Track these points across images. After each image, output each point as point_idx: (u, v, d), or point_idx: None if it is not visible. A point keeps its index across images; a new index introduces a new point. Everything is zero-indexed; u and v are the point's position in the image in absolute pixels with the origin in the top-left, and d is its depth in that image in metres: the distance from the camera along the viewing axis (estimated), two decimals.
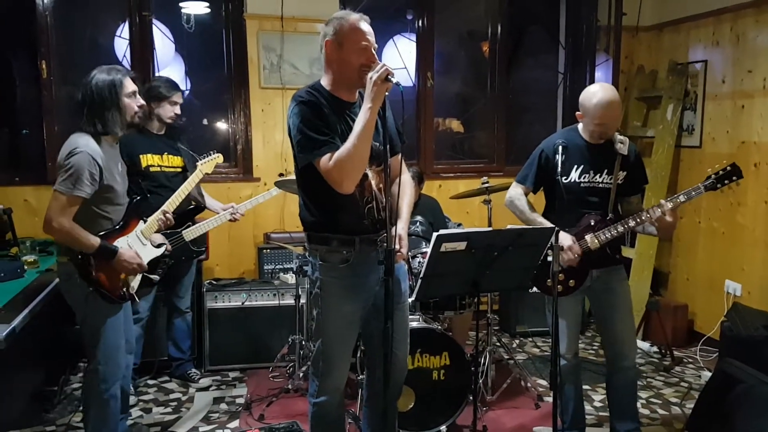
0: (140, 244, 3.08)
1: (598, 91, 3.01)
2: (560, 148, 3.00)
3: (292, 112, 2.46)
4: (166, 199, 3.38)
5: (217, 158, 3.77)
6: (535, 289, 3.29)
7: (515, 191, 3.24)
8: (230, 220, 3.94)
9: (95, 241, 2.80)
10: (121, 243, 2.96)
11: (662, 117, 5.20)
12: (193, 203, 3.75)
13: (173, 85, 3.91)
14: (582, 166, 3.09)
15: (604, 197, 3.10)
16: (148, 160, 3.80)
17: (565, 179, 3.08)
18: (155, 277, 3.20)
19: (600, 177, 3.10)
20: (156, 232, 3.21)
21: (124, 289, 3.00)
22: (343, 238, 2.51)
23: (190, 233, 3.71)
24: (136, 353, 4.10)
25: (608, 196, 3.10)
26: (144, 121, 3.79)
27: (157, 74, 4.81)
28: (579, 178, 3.10)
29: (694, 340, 4.91)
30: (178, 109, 3.90)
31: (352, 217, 2.51)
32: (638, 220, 3.01)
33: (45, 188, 4.54)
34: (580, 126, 3.16)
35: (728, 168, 2.96)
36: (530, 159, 3.24)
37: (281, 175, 4.04)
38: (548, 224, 3.08)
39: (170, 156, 3.93)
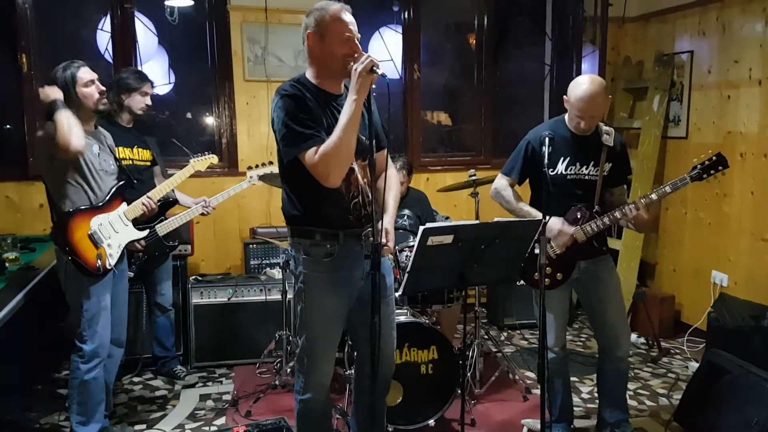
0: (122, 224, 3.23)
1: (583, 83, 2.99)
2: (547, 139, 2.98)
3: (276, 106, 2.42)
4: (138, 191, 3.43)
5: (212, 159, 3.86)
6: (522, 282, 3.28)
7: (500, 182, 3.24)
8: (202, 214, 3.93)
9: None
10: (101, 220, 3.12)
11: (648, 108, 5.21)
12: (163, 198, 3.72)
13: (142, 76, 3.88)
14: (568, 158, 3.08)
15: (590, 189, 3.10)
16: (120, 153, 3.76)
17: (552, 171, 3.06)
18: (129, 274, 3.34)
19: (586, 169, 3.09)
20: (140, 216, 3.35)
21: (99, 262, 3.07)
22: (327, 232, 2.49)
23: (163, 227, 3.70)
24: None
25: (594, 188, 3.09)
26: (114, 114, 3.78)
27: (140, 68, 4.74)
28: (565, 170, 3.09)
29: (681, 331, 4.93)
30: (149, 100, 3.88)
31: (337, 211, 2.48)
32: (622, 212, 3.01)
33: (26, 184, 4.48)
34: (566, 117, 3.14)
35: (714, 158, 2.97)
36: (516, 150, 3.22)
37: (250, 168, 4.00)
38: (536, 212, 3.09)
39: (140, 149, 3.92)
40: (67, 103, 2.98)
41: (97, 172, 3.12)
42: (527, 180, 3.25)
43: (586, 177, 3.09)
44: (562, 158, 3.09)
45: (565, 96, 3.08)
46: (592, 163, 3.08)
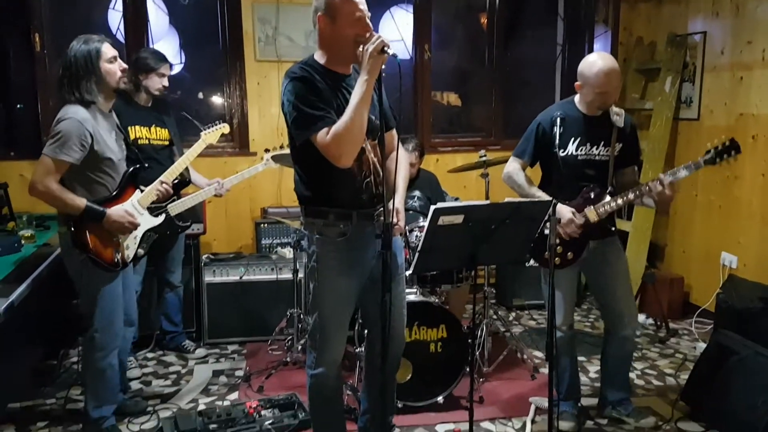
0: (137, 213, 3.12)
1: (597, 60, 2.99)
2: (558, 120, 2.99)
3: (285, 89, 2.43)
4: (154, 171, 3.39)
5: (223, 128, 3.79)
6: (532, 262, 3.30)
7: (513, 166, 3.24)
8: (215, 195, 3.92)
9: (81, 202, 2.86)
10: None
11: (660, 89, 5.17)
12: (179, 177, 3.72)
13: (160, 57, 3.86)
14: (579, 139, 3.09)
15: (601, 170, 3.10)
16: (137, 132, 3.78)
17: (563, 152, 3.07)
18: (140, 251, 3.25)
19: (597, 149, 3.09)
20: (154, 202, 3.25)
21: (118, 256, 3.03)
22: (340, 212, 2.51)
23: (175, 207, 3.66)
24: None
25: (605, 168, 3.10)
26: (132, 93, 3.78)
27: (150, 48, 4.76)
28: (576, 150, 3.09)
29: (690, 312, 4.94)
30: (166, 81, 3.86)
31: (349, 191, 2.50)
32: (637, 192, 3.01)
33: None
34: (576, 98, 3.14)
35: (727, 143, 2.98)
36: (527, 133, 3.22)
37: (267, 151, 3.99)
38: (547, 197, 3.08)
39: (158, 128, 3.91)
40: (86, 78, 2.87)
41: (118, 163, 3.03)
42: (538, 163, 3.26)
43: (597, 157, 3.10)
44: (572, 139, 3.09)
45: (577, 83, 3.08)
46: (602, 143, 3.09)
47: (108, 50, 2.93)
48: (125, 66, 3.02)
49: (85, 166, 2.88)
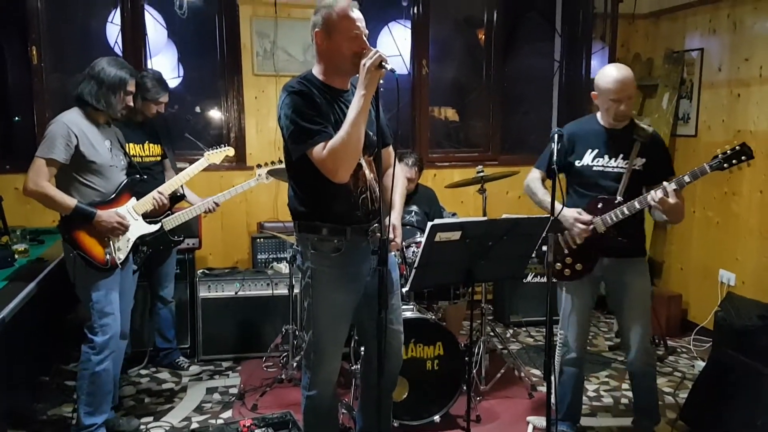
0: (131, 218, 3.23)
1: (611, 69, 3.03)
2: (556, 137, 2.96)
3: (283, 103, 2.42)
4: (148, 185, 3.44)
5: (228, 151, 3.86)
6: (529, 278, 3.29)
7: (532, 175, 3.30)
8: (206, 212, 3.91)
9: (71, 202, 3.00)
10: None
11: (658, 105, 5.18)
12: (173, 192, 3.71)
13: (164, 87, 3.87)
14: (597, 150, 3.09)
15: (616, 181, 3.06)
16: (130, 149, 3.76)
17: (578, 163, 3.11)
18: (133, 266, 3.34)
19: (614, 161, 3.07)
20: (150, 211, 3.35)
21: (108, 257, 3.11)
22: (334, 227, 2.49)
23: (169, 222, 3.67)
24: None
25: (620, 180, 3.05)
26: (128, 113, 3.78)
27: (149, 61, 4.76)
28: (592, 161, 3.10)
29: (688, 330, 4.92)
30: (162, 108, 3.90)
31: (345, 206, 2.49)
32: (642, 201, 2.94)
33: None
34: (598, 114, 3.16)
35: (737, 147, 2.85)
36: (548, 145, 3.24)
37: (259, 166, 3.99)
38: (557, 205, 3.10)
39: (151, 144, 3.94)
40: (96, 97, 3.05)
41: (108, 168, 3.13)
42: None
43: (614, 169, 3.07)
44: (589, 150, 3.10)
45: (593, 92, 3.10)
46: (621, 156, 3.06)
47: (132, 87, 3.16)
48: (131, 104, 3.21)
49: (73, 168, 3.03)
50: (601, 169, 3.08)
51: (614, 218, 3.01)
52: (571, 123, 3.28)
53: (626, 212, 2.99)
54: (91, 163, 3.05)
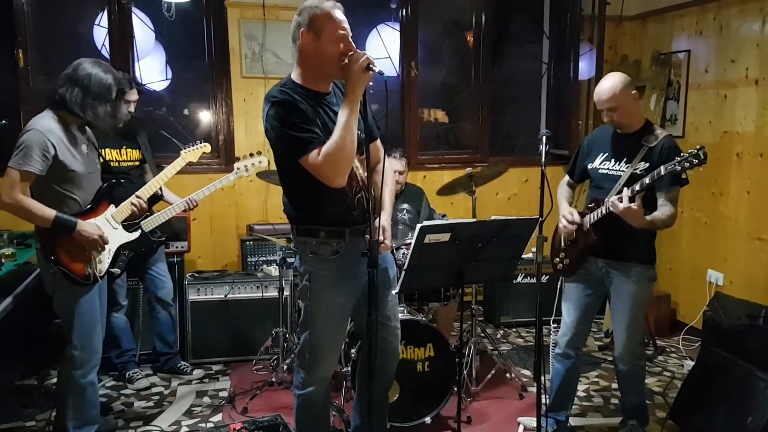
0: (110, 228, 3.09)
1: (601, 81, 3.09)
2: (545, 138, 2.97)
3: (267, 115, 2.38)
4: (127, 190, 3.33)
5: (204, 147, 3.74)
6: (519, 279, 3.32)
7: (563, 180, 3.46)
8: (185, 210, 3.86)
9: (50, 213, 2.81)
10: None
11: (645, 107, 5.21)
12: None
13: (130, 84, 3.73)
14: (605, 154, 3.19)
15: (615, 183, 3.09)
16: (107, 155, 3.72)
17: (590, 166, 3.23)
18: (116, 270, 3.20)
19: (618, 165, 3.12)
20: (129, 217, 3.21)
21: (90, 270, 2.97)
22: (332, 230, 2.48)
23: (148, 223, 3.63)
24: (131, 340, 4.12)
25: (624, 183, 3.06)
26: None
27: (137, 64, 4.73)
28: (599, 164, 3.19)
29: (677, 330, 4.95)
30: (132, 107, 3.77)
31: (341, 208, 2.48)
32: (612, 202, 2.92)
33: None
34: None
35: (695, 151, 2.79)
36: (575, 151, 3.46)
37: (238, 159, 3.96)
38: (565, 206, 3.28)
39: (128, 149, 3.89)
40: (82, 106, 2.86)
41: (87, 176, 2.97)
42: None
43: (616, 172, 3.12)
44: (600, 153, 3.20)
45: None
46: (624, 159, 3.10)
47: (132, 94, 3.14)
48: (133, 111, 3.23)
49: (51, 178, 2.83)
50: (605, 171, 3.16)
51: (594, 218, 3.10)
52: (596, 129, 3.42)
53: (604, 211, 3.04)
54: (70, 172, 2.87)
